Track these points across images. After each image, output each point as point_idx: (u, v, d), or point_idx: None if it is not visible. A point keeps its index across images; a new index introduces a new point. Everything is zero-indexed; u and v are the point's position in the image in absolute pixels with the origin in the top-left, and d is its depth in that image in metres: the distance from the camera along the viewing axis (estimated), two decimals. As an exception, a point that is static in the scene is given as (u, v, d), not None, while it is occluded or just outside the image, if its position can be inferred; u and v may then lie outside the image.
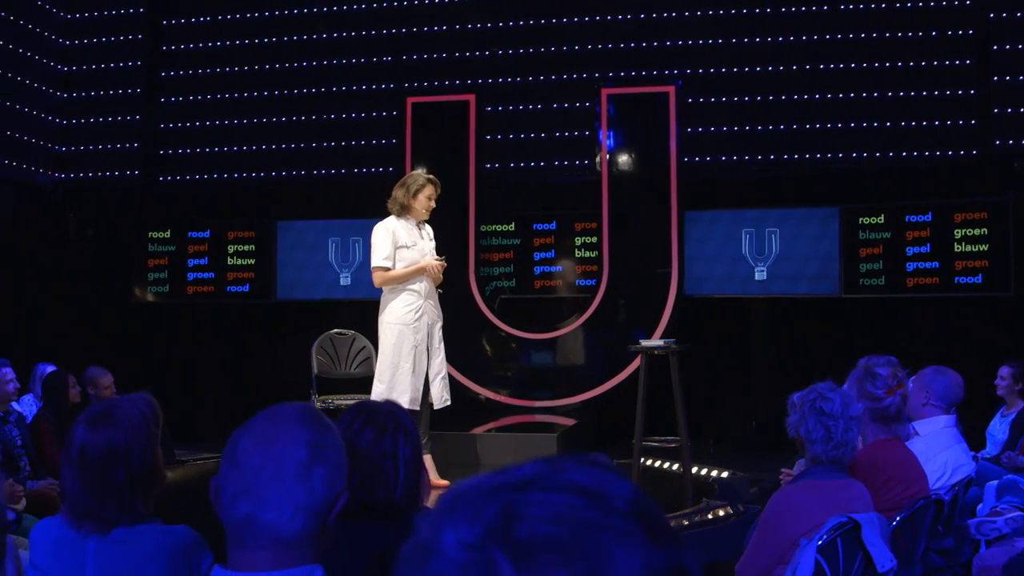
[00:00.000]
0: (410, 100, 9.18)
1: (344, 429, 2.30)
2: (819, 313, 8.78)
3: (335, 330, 7.19)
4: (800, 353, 8.65)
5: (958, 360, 7.94)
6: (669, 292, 8.60)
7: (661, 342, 5.65)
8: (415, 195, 6.08)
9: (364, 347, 7.01)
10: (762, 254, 8.90)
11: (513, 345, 8.92)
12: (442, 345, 6.20)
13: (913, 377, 4.31)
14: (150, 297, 10.03)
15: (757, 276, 8.91)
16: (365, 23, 9.90)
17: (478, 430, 7.53)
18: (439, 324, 6.19)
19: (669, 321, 8.51)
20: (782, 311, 8.92)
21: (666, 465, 6.67)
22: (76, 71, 10.34)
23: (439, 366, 6.13)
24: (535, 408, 8.61)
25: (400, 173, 8.82)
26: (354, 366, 7.02)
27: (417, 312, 6.04)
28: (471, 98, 9.07)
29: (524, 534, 0.68)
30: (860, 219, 8.65)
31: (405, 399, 5.91)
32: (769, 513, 3.25)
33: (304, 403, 1.60)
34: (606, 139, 8.77)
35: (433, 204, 6.16)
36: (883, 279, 8.56)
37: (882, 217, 8.59)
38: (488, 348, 8.87)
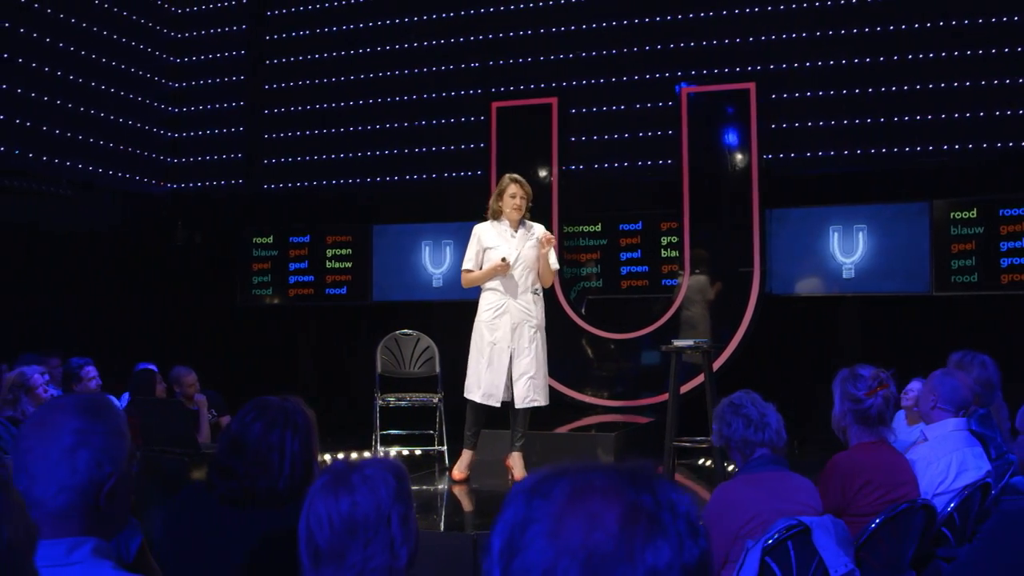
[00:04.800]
0: (495, 105, 9.34)
1: (238, 422, 2.47)
2: (909, 312, 8.48)
3: (400, 330, 7.40)
4: (890, 353, 8.33)
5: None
6: (751, 291, 8.48)
7: (691, 342, 5.61)
8: (500, 196, 6.22)
9: (428, 347, 7.20)
10: (850, 252, 8.67)
11: (612, 347, 8.93)
12: (533, 345, 6.12)
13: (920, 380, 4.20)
14: (254, 300, 10.52)
15: (845, 274, 8.68)
16: (452, 31, 10.15)
17: (559, 430, 7.60)
18: (528, 324, 6.12)
19: (751, 320, 8.41)
20: (871, 310, 8.66)
21: (708, 463, 6.61)
22: (184, 87, 10.98)
23: (526, 366, 6.08)
24: (617, 408, 8.63)
25: (487, 176, 9.04)
26: (417, 365, 7.22)
27: (496, 311, 6.12)
28: (554, 101, 9.16)
29: None
30: (951, 214, 8.31)
31: (477, 394, 6.11)
32: (710, 511, 3.27)
33: (88, 395, 1.77)
34: (687, 138, 8.71)
35: (518, 201, 6.15)
36: (976, 276, 8.20)
37: (974, 211, 8.23)
38: (572, 349, 8.92)
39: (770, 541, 3.09)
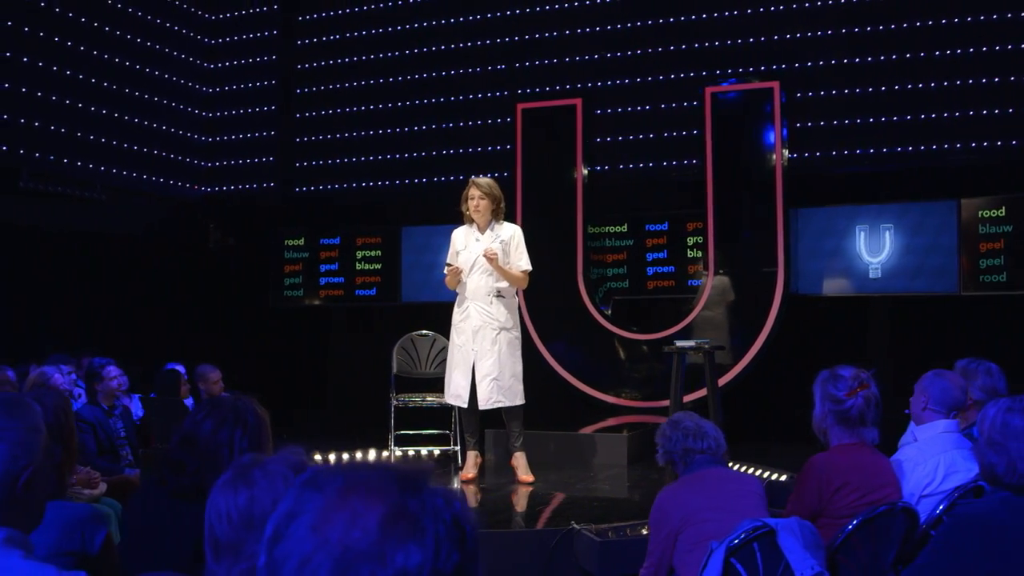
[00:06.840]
0: (520, 106, 9.38)
1: (190, 420, 2.55)
2: (937, 312, 8.37)
3: (416, 331, 7.47)
4: (917, 354, 8.22)
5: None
6: (775, 291, 8.42)
7: (693, 342, 5.60)
8: (463, 201, 6.28)
9: (444, 348, 7.24)
10: (877, 251, 8.57)
11: (644, 348, 8.90)
12: (496, 347, 6.15)
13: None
14: (286, 301, 10.68)
15: (871, 274, 8.59)
16: (477, 34, 10.22)
17: (584, 430, 7.61)
18: (490, 327, 6.17)
19: (776, 320, 8.35)
20: (898, 310, 8.56)
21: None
22: (217, 92, 11.17)
23: (488, 368, 6.14)
24: (644, 408, 8.62)
25: (513, 178, 9.09)
26: (433, 366, 7.28)
27: (461, 314, 6.27)
28: (578, 102, 9.18)
29: None
30: (980, 212, 8.20)
31: (448, 394, 6.33)
32: (655, 511, 3.36)
33: (5, 394, 1.85)
34: (711, 138, 8.68)
35: (476, 203, 6.20)
36: (1004, 276, 8.08)
37: (1003, 210, 8.11)
38: (596, 349, 8.93)
39: (736, 542, 3.09)
